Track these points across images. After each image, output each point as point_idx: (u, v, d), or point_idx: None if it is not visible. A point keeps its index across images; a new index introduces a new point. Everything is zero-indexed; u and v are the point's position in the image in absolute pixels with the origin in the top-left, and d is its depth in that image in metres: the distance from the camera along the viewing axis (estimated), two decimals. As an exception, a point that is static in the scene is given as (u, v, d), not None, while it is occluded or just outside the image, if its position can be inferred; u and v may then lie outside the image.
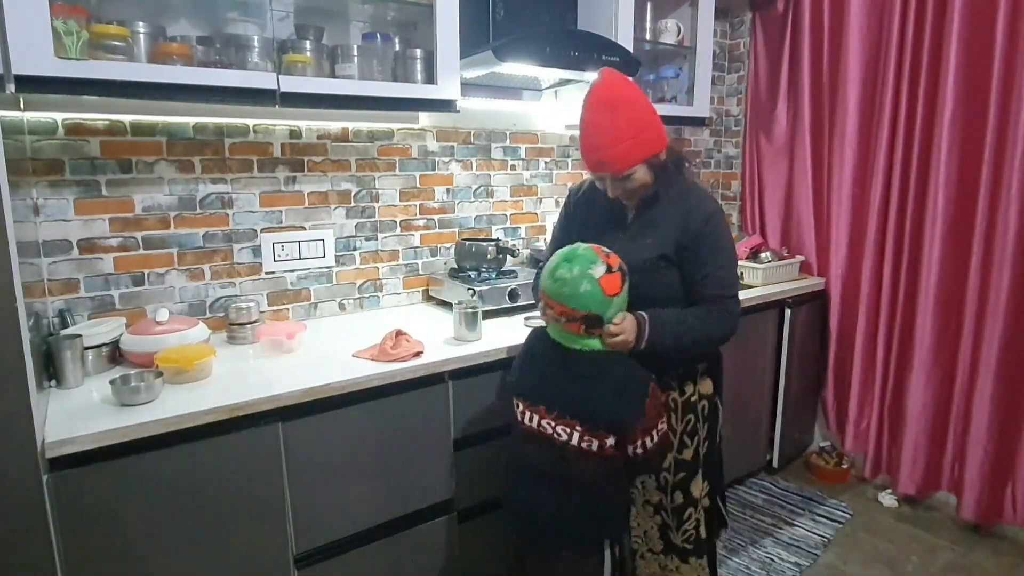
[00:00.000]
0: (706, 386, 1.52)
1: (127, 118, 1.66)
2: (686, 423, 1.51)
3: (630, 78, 1.45)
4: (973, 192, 2.23)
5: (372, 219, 2.12)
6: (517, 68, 1.95)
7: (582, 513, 1.34)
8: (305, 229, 1.98)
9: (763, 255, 2.64)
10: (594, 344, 1.32)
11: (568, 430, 1.29)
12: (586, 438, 1.29)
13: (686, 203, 1.42)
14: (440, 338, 1.76)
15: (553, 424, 1.30)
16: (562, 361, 1.33)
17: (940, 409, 2.40)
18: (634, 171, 1.37)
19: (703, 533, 1.55)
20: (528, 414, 1.34)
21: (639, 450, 1.31)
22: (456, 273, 2.17)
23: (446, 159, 2.26)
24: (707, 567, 1.57)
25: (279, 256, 1.94)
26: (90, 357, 1.47)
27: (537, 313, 1.48)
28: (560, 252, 1.33)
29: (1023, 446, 2.19)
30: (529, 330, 1.48)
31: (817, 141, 2.73)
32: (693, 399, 1.51)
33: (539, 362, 1.38)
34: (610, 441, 1.29)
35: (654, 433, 1.32)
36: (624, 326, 1.32)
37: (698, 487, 1.53)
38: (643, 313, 1.35)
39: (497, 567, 1.83)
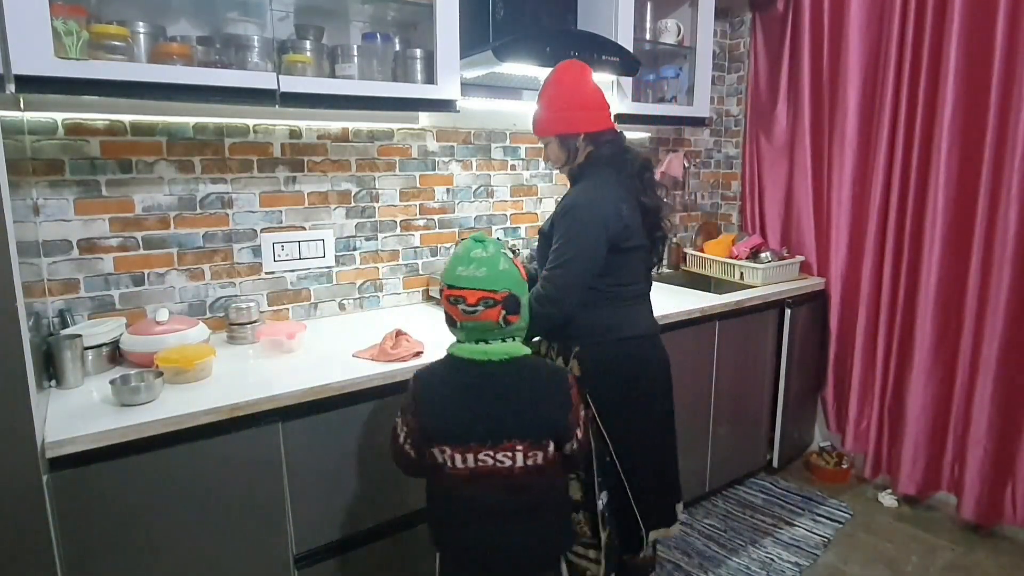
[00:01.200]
0: (576, 368, 1.54)
1: (127, 118, 1.66)
2: None
3: (593, 73, 1.61)
4: (973, 192, 2.23)
5: (372, 219, 2.12)
6: (517, 68, 1.95)
7: (538, 536, 1.28)
8: (305, 229, 1.98)
9: (763, 255, 2.64)
10: (508, 349, 1.22)
11: (510, 454, 1.20)
12: (530, 453, 1.21)
13: (571, 192, 1.58)
14: (446, 337, 1.76)
15: (493, 454, 1.20)
16: (478, 387, 1.22)
17: (940, 409, 2.40)
18: (548, 140, 1.61)
19: (573, 494, 1.54)
20: (459, 457, 1.21)
21: (575, 444, 1.27)
22: (456, 273, 2.16)
23: (446, 159, 2.26)
24: (586, 522, 1.56)
25: (279, 256, 1.94)
26: (90, 357, 1.47)
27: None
28: (464, 241, 1.27)
29: (1023, 446, 2.19)
30: (412, 379, 1.28)
31: (817, 141, 2.73)
32: None
33: (451, 400, 1.23)
34: (551, 448, 1.23)
35: (583, 423, 1.30)
36: None
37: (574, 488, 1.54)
38: None
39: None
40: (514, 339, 1.26)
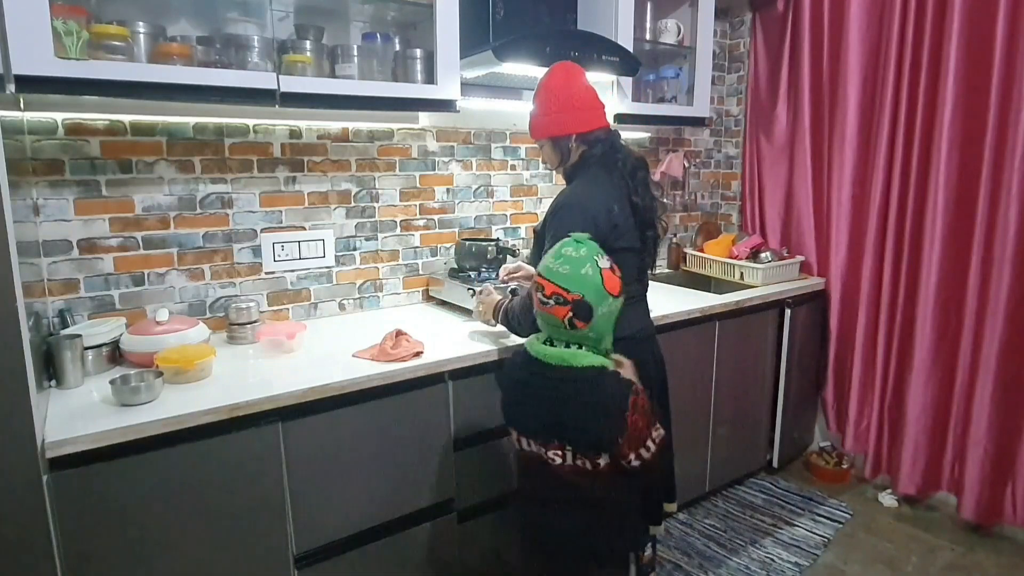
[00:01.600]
0: None
1: (127, 118, 1.66)
2: None
3: (590, 72, 1.64)
4: (973, 192, 2.23)
5: (372, 219, 2.12)
6: (517, 68, 1.95)
7: (597, 529, 1.30)
8: (305, 229, 1.98)
9: (763, 255, 2.64)
10: (568, 356, 1.23)
11: (560, 453, 1.25)
12: (578, 458, 1.24)
13: (562, 192, 1.59)
14: (446, 338, 1.77)
15: (544, 449, 1.27)
16: (533, 386, 1.27)
17: (940, 409, 2.40)
18: (542, 143, 1.65)
19: None
20: (524, 440, 1.30)
21: (635, 463, 1.22)
22: (456, 273, 2.17)
23: (446, 159, 2.26)
24: None
25: (279, 256, 1.94)
26: (90, 357, 1.47)
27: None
28: (572, 235, 1.28)
29: (1023, 446, 2.19)
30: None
31: (817, 141, 2.73)
32: None
33: (517, 389, 1.31)
34: (602, 460, 1.23)
35: (648, 443, 1.23)
36: (487, 303, 1.69)
37: None
38: (503, 300, 1.66)
39: (497, 567, 1.83)
40: (581, 347, 1.23)
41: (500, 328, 1.72)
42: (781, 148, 2.87)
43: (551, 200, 1.60)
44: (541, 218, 2.49)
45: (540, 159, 2.48)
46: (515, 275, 1.73)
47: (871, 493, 2.60)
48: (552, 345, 1.25)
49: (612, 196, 1.53)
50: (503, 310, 1.64)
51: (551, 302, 1.21)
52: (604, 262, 1.23)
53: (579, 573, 1.34)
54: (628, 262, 1.60)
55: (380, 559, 1.59)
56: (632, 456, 1.21)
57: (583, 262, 1.21)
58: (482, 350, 1.67)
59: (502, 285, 1.81)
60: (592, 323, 1.21)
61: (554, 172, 2.51)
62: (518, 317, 1.58)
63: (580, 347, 1.23)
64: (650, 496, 1.69)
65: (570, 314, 1.20)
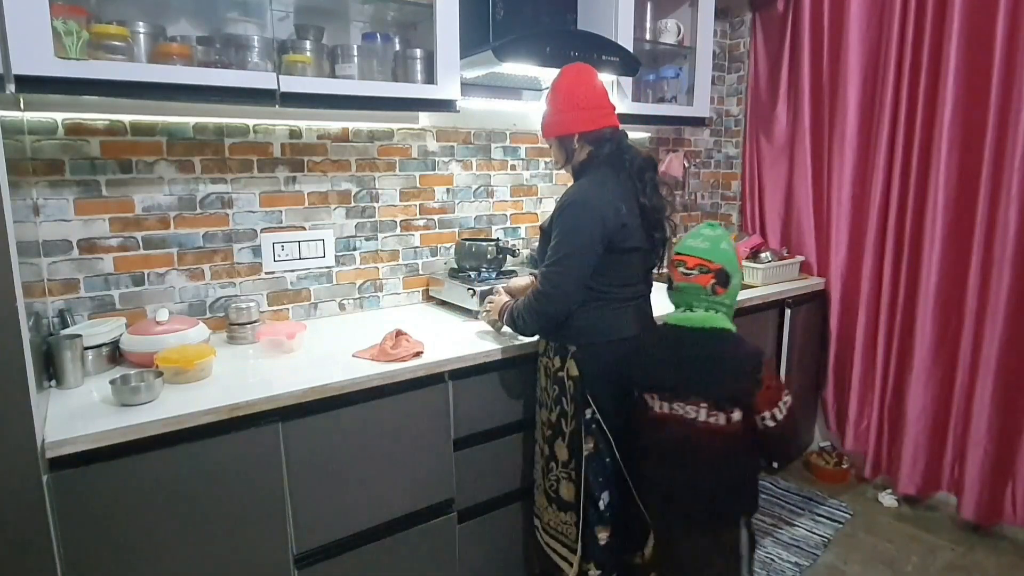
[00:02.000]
0: (573, 368, 1.56)
1: (127, 118, 1.66)
2: (552, 390, 1.62)
3: (598, 74, 1.63)
4: (973, 192, 2.23)
5: (372, 219, 2.12)
6: (517, 68, 1.95)
7: (716, 489, 1.44)
8: (305, 229, 1.98)
9: (763, 255, 2.64)
10: (708, 319, 1.43)
11: (696, 408, 1.42)
12: (712, 413, 1.40)
13: (570, 189, 1.59)
14: (446, 338, 1.77)
15: (683, 405, 1.43)
16: (675, 346, 1.46)
17: (940, 409, 2.40)
18: (550, 142, 1.66)
19: (564, 494, 1.62)
20: (659, 403, 1.46)
21: (769, 422, 1.39)
22: (456, 273, 2.17)
23: (446, 159, 2.26)
24: (573, 524, 1.61)
25: (279, 256, 1.94)
26: (90, 357, 1.47)
27: None
28: (706, 221, 1.55)
29: (1023, 446, 2.19)
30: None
31: (817, 141, 2.73)
32: (560, 374, 1.59)
33: (655, 355, 1.49)
34: (736, 415, 1.39)
35: (780, 405, 1.39)
36: (495, 303, 1.72)
37: (562, 451, 1.61)
38: (510, 301, 1.68)
39: (497, 567, 1.83)
40: (717, 312, 1.44)
41: (505, 329, 1.72)
42: (781, 148, 2.87)
43: (551, 200, 1.60)
44: (542, 218, 2.50)
45: (540, 159, 2.49)
46: (495, 305, 1.74)
47: (871, 493, 2.60)
48: (693, 310, 1.45)
49: (619, 196, 1.53)
50: (508, 311, 1.64)
51: (695, 272, 1.43)
52: (733, 242, 1.48)
53: (690, 532, 1.49)
54: (635, 262, 1.60)
55: (380, 559, 1.59)
56: (767, 414, 1.39)
57: (720, 239, 1.45)
58: (482, 350, 1.67)
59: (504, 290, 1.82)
60: (728, 290, 1.44)
61: (555, 172, 2.53)
62: (523, 316, 1.58)
63: (717, 312, 1.44)
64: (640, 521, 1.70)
65: (713, 280, 1.42)
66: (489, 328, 1.81)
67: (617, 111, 2.23)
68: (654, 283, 1.70)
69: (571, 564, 1.62)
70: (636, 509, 1.61)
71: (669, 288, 1.51)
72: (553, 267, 1.50)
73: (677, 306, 1.50)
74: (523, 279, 1.86)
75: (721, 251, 1.44)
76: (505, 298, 1.73)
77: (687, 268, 1.45)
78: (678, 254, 1.47)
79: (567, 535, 1.63)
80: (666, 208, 1.63)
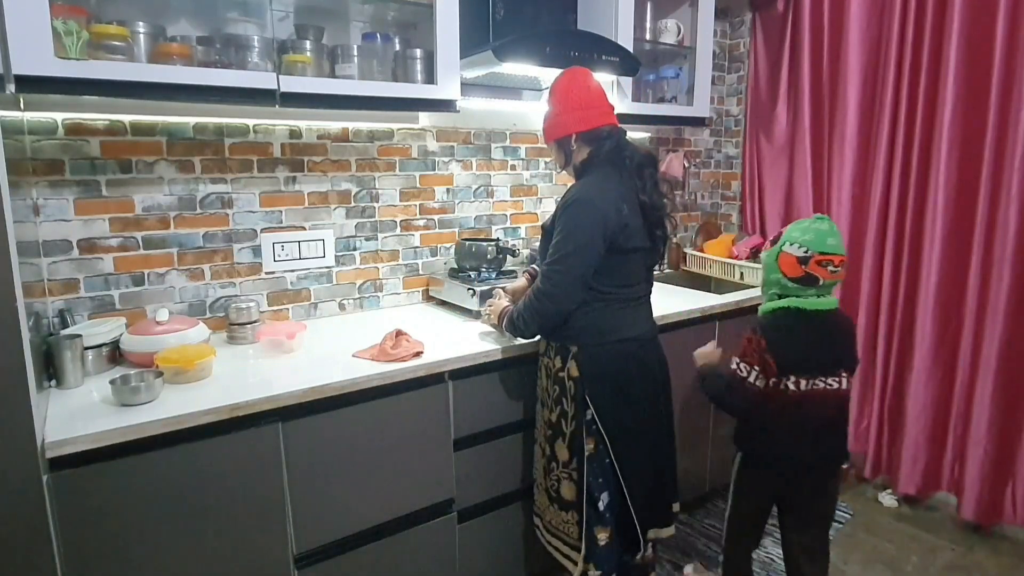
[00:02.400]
0: (574, 369, 1.56)
1: (127, 118, 1.66)
2: (553, 390, 1.62)
3: (593, 75, 1.64)
4: (973, 192, 2.23)
5: (372, 219, 2.12)
6: (517, 68, 1.95)
7: (837, 445, 1.67)
8: (305, 229, 1.99)
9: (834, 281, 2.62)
10: (835, 301, 1.63)
11: (839, 378, 1.60)
12: (850, 379, 1.63)
13: (572, 188, 1.58)
14: (446, 338, 1.77)
15: (826, 379, 1.59)
16: (823, 328, 1.61)
17: (940, 409, 2.40)
18: (551, 146, 1.68)
19: (566, 494, 1.62)
20: (802, 383, 1.58)
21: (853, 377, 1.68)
22: (456, 273, 2.17)
23: (446, 159, 2.26)
24: (575, 524, 1.61)
25: (279, 256, 1.94)
26: (90, 357, 1.47)
27: None
28: (819, 221, 1.61)
29: (1023, 446, 2.19)
30: (760, 331, 1.62)
31: (817, 141, 2.73)
32: (561, 374, 1.59)
33: (804, 339, 1.60)
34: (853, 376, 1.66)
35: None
36: (494, 307, 1.73)
37: (563, 451, 1.61)
38: (509, 306, 1.67)
39: (497, 567, 1.83)
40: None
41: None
42: (781, 148, 2.87)
43: (551, 200, 1.60)
44: (542, 218, 2.50)
45: (540, 159, 2.49)
46: (494, 309, 1.74)
47: (871, 493, 2.60)
48: (823, 296, 1.60)
49: (622, 195, 1.53)
50: (508, 316, 1.64)
51: (841, 269, 1.59)
52: None
53: (822, 483, 1.67)
54: (637, 262, 1.60)
55: (380, 559, 1.59)
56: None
57: (841, 234, 1.61)
58: (482, 350, 1.67)
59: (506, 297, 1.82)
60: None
61: (555, 172, 2.53)
62: (523, 316, 1.57)
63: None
64: (661, 499, 1.70)
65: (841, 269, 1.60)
66: (490, 328, 1.81)
67: (617, 111, 2.24)
68: (655, 282, 1.70)
69: (575, 563, 1.62)
70: (630, 510, 1.61)
71: (805, 284, 1.58)
72: (554, 266, 1.50)
73: (812, 295, 1.60)
74: (521, 280, 1.86)
75: (841, 244, 1.60)
76: (504, 302, 1.73)
77: (835, 266, 1.58)
78: (825, 254, 1.56)
79: (569, 534, 1.63)
80: (666, 206, 1.62)
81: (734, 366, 1.60)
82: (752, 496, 1.72)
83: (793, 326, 1.59)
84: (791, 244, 1.59)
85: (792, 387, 1.57)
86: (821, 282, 1.57)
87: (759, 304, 2.55)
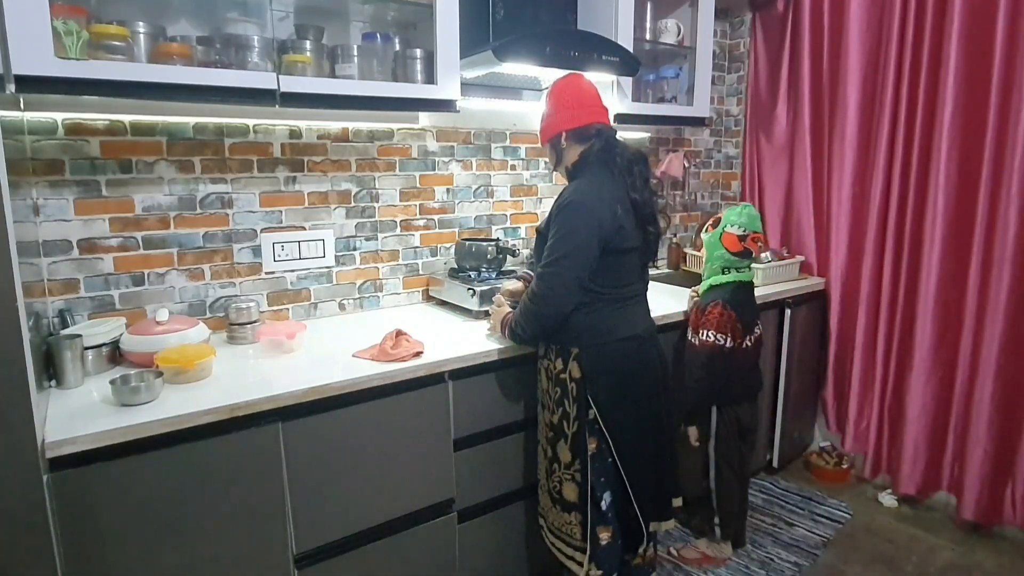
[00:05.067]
0: (576, 370, 1.56)
1: (127, 118, 1.66)
2: (554, 392, 1.62)
3: (591, 73, 1.71)
4: (973, 192, 2.23)
5: (372, 219, 2.12)
6: (517, 68, 1.95)
7: (761, 374, 2.15)
8: (305, 229, 1.98)
9: (763, 255, 2.63)
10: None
11: (760, 329, 2.08)
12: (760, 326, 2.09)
13: (566, 189, 1.58)
14: (446, 338, 1.76)
15: (756, 332, 2.05)
16: (751, 295, 2.06)
17: (940, 409, 2.40)
18: (545, 147, 1.70)
19: (568, 495, 1.62)
20: (750, 338, 2.02)
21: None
22: (456, 273, 2.17)
23: (446, 159, 2.26)
24: (578, 525, 1.61)
25: (279, 256, 1.94)
26: (90, 357, 1.47)
27: None
28: (747, 207, 2.00)
29: (1023, 446, 2.19)
30: (723, 305, 1.96)
31: (817, 141, 2.73)
32: (563, 375, 1.59)
33: (749, 307, 2.04)
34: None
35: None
36: (496, 316, 1.73)
37: (565, 453, 1.61)
38: (511, 313, 1.67)
39: (497, 567, 1.83)
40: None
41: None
42: (781, 148, 2.87)
43: (551, 200, 1.60)
44: (542, 218, 2.50)
45: (540, 159, 2.49)
46: (496, 318, 1.73)
47: (871, 493, 2.60)
48: (750, 270, 2.05)
49: (616, 196, 1.53)
50: (508, 326, 1.63)
51: (759, 243, 2.00)
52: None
53: (756, 404, 2.16)
54: (632, 262, 1.60)
55: (380, 559, 1.59)
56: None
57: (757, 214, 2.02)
58: (482, 350, 1.67)
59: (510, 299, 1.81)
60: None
61: (554, 172, 2.53)
62: (520, 322, 1.58)
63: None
64: (662, 493, 1.71)
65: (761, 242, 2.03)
66: (488, 328, 1.81)
67: (617, 111, 2.27)
68: (653, 282, 1.71)
69: (580, 564, 1.62)
70: (632, 508, 1.61)
71: (743, 257, 1.98)
72: (550, 268, 1.50)
73: (738, 269, 1.99)
74: (518, 283, 1.84)
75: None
76: (505, 309, 1.71)
77: (761, 243, 2.00)
78: (757, 232, 1.97)
79: (572, 536, 1.63)
80: (657, 202, 1.63)
81: (711, 338, 1.92)
82: (731, 429, 2.05)
83: (744, 298, 2.01)
84: (731, 225, 1.98)
85: (748, 343, 2.01)
86: (752, 255, 2.00)
87: (760, 304, 2.57)
